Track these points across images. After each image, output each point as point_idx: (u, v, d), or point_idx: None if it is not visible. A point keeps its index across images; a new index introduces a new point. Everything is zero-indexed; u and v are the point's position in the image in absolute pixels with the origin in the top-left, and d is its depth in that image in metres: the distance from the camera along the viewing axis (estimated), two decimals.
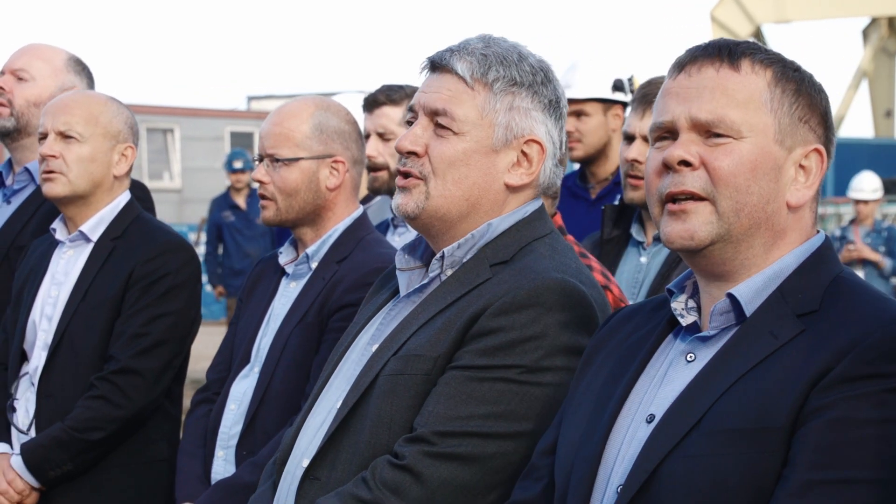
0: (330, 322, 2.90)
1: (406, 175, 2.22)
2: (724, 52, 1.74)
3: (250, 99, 23.61)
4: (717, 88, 1.72)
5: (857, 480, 1.52)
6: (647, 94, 3.24)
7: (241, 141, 18.46)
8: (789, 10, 26.71)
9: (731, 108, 1.71)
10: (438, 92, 2.19)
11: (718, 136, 1.70)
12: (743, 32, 24.16)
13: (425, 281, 2.20)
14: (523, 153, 2.20)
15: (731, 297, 1.70)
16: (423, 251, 2.29)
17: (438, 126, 2.17)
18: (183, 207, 17.25)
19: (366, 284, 2.86)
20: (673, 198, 1.68)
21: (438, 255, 2.17)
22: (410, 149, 2.18)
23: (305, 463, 2.23)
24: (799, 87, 1.72)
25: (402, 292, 2.30)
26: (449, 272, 2.17)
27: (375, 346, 2.25)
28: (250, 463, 2.85)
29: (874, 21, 27.38)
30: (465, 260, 2.16)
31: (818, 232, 1.78)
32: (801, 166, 1.70)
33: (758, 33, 26.19)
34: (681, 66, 1.76)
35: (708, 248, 1.72)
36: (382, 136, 3.99)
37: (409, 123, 2.28)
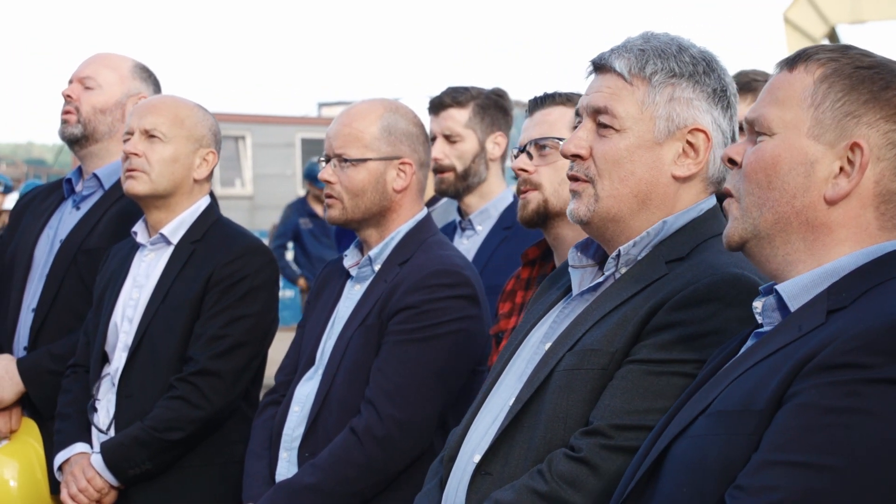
0: (389, 324, 2.91)
1: (574, 179, 2.22)
2: (790, 58, 1.76)
3: (321, 105, 23.69)
4: (767, 89, 1.76)
5: (808, 465, 1.51)
6: (745, 83, 3.17)
7: (313, 147, 18.47)
8: (865, 11, 26.17)
9: (769, 106, 1.73)
10: (599, 91, 2.21)
11: (759, 134, 1.72)
12: (817, 33, 23.86)
13: (600, 279, 2.20)
14: (689, 143, 2.20)
15: (776, 293, 1.71)
16: (595, 249, 2.28)
17: (601, 125, 2.18)
18: (254, 214, 17.32)
19: (425, 287, 2.91)
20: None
21: (614, 254, 2.17)
22: (574, 151, 2.20)
23: (477, 458, 2.24)
24: (856, 83, 1.70)
25: (575, 290, 2.30)
26: (623, 270, 2.17)
27: (549, 344, 2.25)
28: (310, 464, 2.87)
29: None
30: (639, 258, 2.16)
31: None
32: (850, 161, 1.68)
33: (832, 34, 25.82)
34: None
35: (746, 248, 1.75)
36: (448, 139, 4.00)
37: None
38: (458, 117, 4.04)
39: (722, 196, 3.50)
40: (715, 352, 1.96)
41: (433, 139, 4.00)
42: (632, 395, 2.07)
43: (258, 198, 18.22)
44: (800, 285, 1.70)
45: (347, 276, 3.09)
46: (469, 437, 2.30)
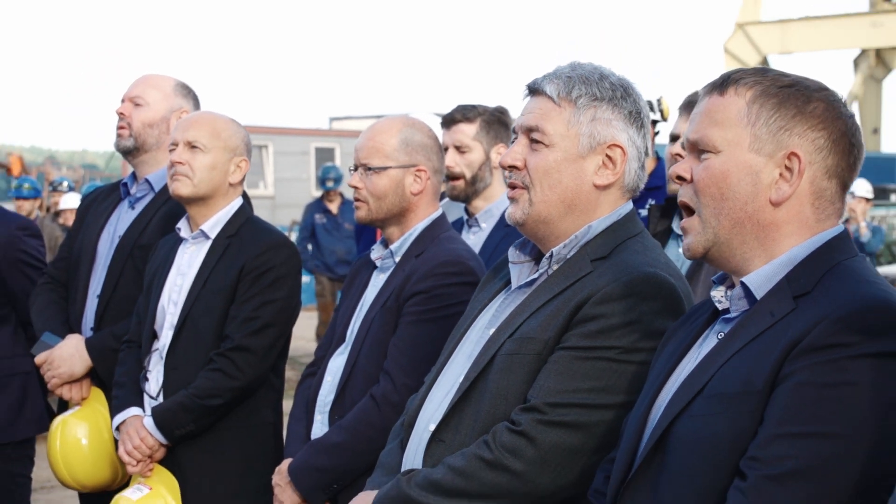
0: (405, 307, 2.91)
1: (513, 187, 2.24)
2: (717, 83, 1.76)
3: (332, 119, 23.70)
4: (704, 112, 1.76)
5: (813, 434, 1.52)
6: (690, 101, 3.20)
7: (325, 155, 18.54)
8: (791, 42, 26.38)
9: (710, 127, 1.73)
10: (532, 112, 2.21)
11: (703, 152, 1.72)
12: (751, 62, 23.87)
13: (535, 276, 2.20)
14: (608, 157, 2.19)
15: (742, 284, 1.71)
16: (531, 247, 2.29)
17: (533, 141, 2.19)
18: (275, 211, 17.36)
19: (434, 275, 2.93)
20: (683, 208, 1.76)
21: (547, 255, 2.18)
22: (511, 163, 2.21)
23: (432, 427, 2.27)
24: (783, 100, 1.70)
25: (514, 283, 2.30)
26: (555, 267, 2.18)
27: (492, 330, 2.26)
28: (338, 426, 2.88)
29: (863, 52, 27.11)
30: (568, 256, 2.17)
31: (837, 224, 1.75)
32: (787, 167, 1.68)
33: (764, 63, 25.80)
34: (699, 97, 1.82)
35: (708, 255, 1.75)
36: (459, 149, 3.96)
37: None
38: (468, 131, 3.98)
39: (671, 207, 3.49)
40: (668, 331, 1.96)
41: (445, 150, 3.93)
42: (563, 377, 2.08)
43: (278, 198, 18.17)
44: (763, 276, 1.69)
45: (374, 267, 3.10)
46: (425, 408, 2.32)
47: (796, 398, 1.55)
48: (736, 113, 1.70)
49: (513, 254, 2.31)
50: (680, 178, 1.74)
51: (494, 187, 3.97)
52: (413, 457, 2.31)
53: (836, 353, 1.55)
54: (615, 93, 2.20)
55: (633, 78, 2.34)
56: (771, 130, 1.69)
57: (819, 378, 1.55)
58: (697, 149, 1.75)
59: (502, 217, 3.73)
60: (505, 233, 3.80)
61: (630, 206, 2.23)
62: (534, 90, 2.23)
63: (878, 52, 27.19)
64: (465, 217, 4.01)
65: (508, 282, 2.34)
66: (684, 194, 1.76)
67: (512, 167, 2.22)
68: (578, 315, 2.07)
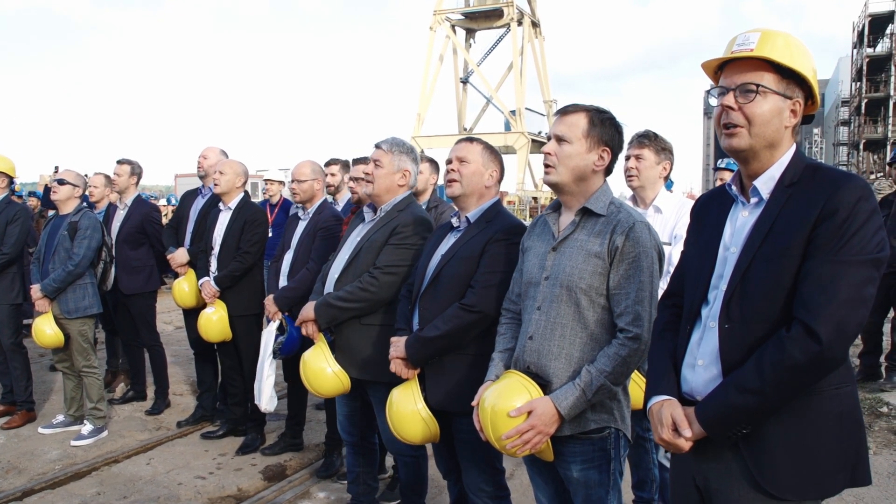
0: (317, 234, 4.49)
1: (367, 174, 3.51)
2: (467, 137, 2.79)
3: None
4: (457, 151, 2.80)
5: (495, 272, 2.71)
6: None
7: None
8: (432, 144, 32.70)
9: (460, 155, 2.82)
10: (376, 154, 3.53)
11: (463, 161, 2.84)
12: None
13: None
14: (403, 175, 3.51)
15: (467, 217, 2.91)
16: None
17: (376, 166, 3.51)
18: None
19: (325, 219, 4.52)
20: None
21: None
22: (367, 171, 3.52)
23: (336, 275, 3.52)
24: (489, 151, 2.83)
25: (367, 218, 3.56)
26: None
27: (357, 238, 3.49)
28: (292, 280, 4.41)
29: None
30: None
31: (496, 196, 2.89)
32: (492, 175, 2.85)
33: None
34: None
35: (456, 203, 2.90)
36: (333, 175, 5.83)
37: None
38: (334, 169, 5.89)
39: None
40: (432, 232, 3.03)
41: (332, 175, 5.80)
42: (389, 257, 3.36)
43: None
44: (474, 214, 2.92)
45: (298, 219, 4.77)
46: (332, 270, 3.55)
47: (489, 258, 2.66)
48: (480, 152, 2.84)
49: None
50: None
51: (343, 192, 5.92)
52: (328, 290, 3.48)
53: (503, 242, 2.69)
54: (410, 149, 3.51)
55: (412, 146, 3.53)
56: (488, 160, 2.82)
57: (496, 250, 2.66)
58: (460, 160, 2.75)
59: (346, 202, 5.74)
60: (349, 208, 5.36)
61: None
62: (377, 146, 3.46)
63: None
64: (332, 200, 5.80)
65: (361, 219, 3.56)
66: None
67: (367, 174, 3.41)
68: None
